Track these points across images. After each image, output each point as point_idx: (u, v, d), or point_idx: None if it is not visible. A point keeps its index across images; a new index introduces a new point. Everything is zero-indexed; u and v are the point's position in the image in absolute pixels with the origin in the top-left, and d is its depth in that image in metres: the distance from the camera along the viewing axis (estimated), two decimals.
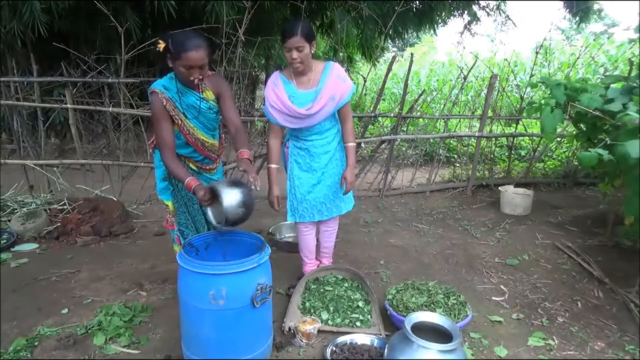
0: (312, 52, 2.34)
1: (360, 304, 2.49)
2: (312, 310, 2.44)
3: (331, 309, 2.45)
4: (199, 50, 1.99)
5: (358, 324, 2.35)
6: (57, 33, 5.43)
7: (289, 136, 2.62)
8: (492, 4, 8.00)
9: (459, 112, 6.40)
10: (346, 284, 2.66)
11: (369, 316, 2.42)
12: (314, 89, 2.41)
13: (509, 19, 8.38)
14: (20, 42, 4.93)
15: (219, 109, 2.27)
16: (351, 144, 2.56)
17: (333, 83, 2.39)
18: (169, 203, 2.38)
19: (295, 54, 2.27)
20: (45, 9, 4.67)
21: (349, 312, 2.42)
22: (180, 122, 2.15)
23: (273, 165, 2.55)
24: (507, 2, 8.19)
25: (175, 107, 2.12)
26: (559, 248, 3.51)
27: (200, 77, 2.07)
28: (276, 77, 2.46)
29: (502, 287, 2.91)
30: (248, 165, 2.08)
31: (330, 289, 2.60)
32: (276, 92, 2.42)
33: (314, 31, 2.35)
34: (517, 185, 4.69)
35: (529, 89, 6.80)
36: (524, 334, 2.38)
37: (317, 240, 2.88)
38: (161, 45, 2.02)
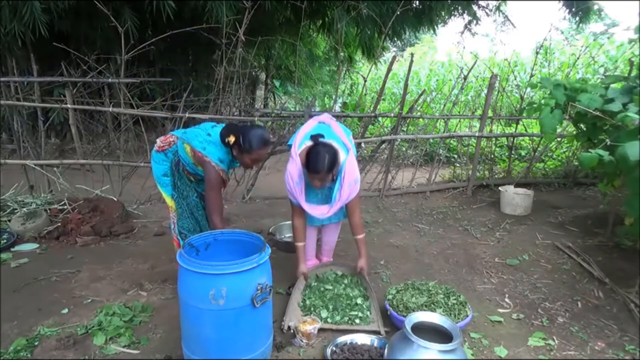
0: (334, 174, 2.38)
1: (359, 300, 2.51)
2: (312, 309, 2.45)
3: (330, 307, 2.46)
4: (267, 147, 2.41)
5: (357, 321, 2.36)
6: (57, 33, 5.43)
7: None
8: (492, 4, 8.00)
9: (459, 112, 6.41)
10: (346, 281, 2.68)
11: (367, 312, 2.43)
12: (328, 186, 2.48)
13: (508, 19, 8.39)
14: (20, 42, 4.94)
15: None
16: (361, 237, 2.62)
17: (346, 191, 2.41)
18: (168, 198, 2.56)
19: (318, 184, 2.36)
20: (45, 9, 4.68)
21: (347, 310, 2.44)
22: (226, 180, 2.53)
23: (299, 244, 2.63)
24: (507, 2, 8.19)
25: (226, 173, 2.49)
26: (559, 248, 3.51)
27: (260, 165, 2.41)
28: (300, 171, 2.42)
29: (502, 287, 2.91)
30: None
31: (330, 287, 2.62)
32: (297, 190, 2.43)
33: (337, 159, 2.35)
34: (517, 185, 4.70)
35: (529, 89, 6.80)
36: (524, 334, 2.38)
37: (317, 239, 2.89)
38: (231, 139, 2.32)
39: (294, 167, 2.42)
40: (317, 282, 2.67)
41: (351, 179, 2.42)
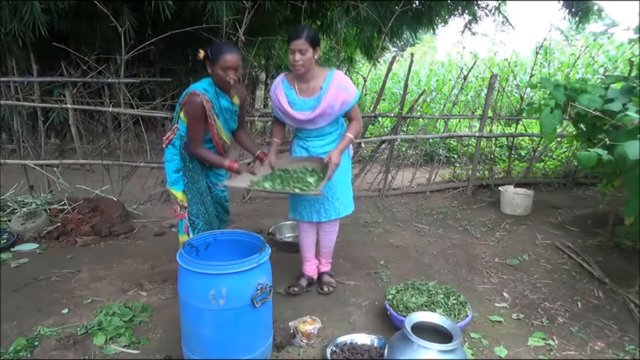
0: (316, 58, 2.39)
1: (311, 180, 2.44)
2: (259, 183, 2.45)
3: (277, 181, 2.46)
4: (233, 53, 2.30)
5: (297, 190, 2.35)
6: (57, 33, 5.43)
7: (295, 134, 2.70)
8: (492, 4, 8.00)
9: (459, 112, 6.41)
10: (315, 176, 2.51)
11: (312, 187, 2.37)
12: (314, 97, 2.45)
13: (507, 21, 8.39)
14: (20, 42, 4.94)
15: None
16: (350, 135, 2.52)
17: (333, 93, 2.42)
18: (179, 194, 2.50)
19: (297, 56, 2.33)
20: (45, 9, 4.68)
21: (292, 183, 2.42)
22: (213, 122, 2.39)
23: (275, 140, 2.65)
24: (506, 2, 8.20)
25: (213, 107, 2.37)
26: (559, 248, 3.51)
27: (235, 78, 2.33)
28: (279, 81, 2.54)
29: (502, 287, 2.91)
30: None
31: (294, 176, 2.53)
32: (278, 95, 2.52)
33: (319, 38, 2.41)
34: (517, 185, 4.69)
35: (529, 89, 6.80)
36: (524, 334, 2.38)
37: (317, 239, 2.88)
38: (201, 54, 2.32)
39: (279, 78, 2.56)
40: (283, 172, 2.54)
41: (341, 83, 2.44)
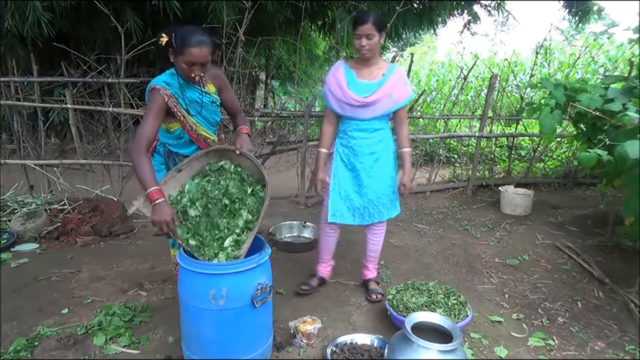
0: (381, 43, 2.40)
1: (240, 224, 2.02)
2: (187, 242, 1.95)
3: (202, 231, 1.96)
4: (201, 46, 1.93)
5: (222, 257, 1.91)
6: (57, 33, 5.43)
7: (337, 133, 2.62)
8: (493, 3, 7.99)
9: (459, 112, 6.41)
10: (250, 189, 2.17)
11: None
12: (375, 81, 2.44)
13: (511, 15, 8.35)
14: (28, 42, 4.94)
15: (221, 101, 2.27)
16: (407, 150, 2.56)
17: (395, 82, 2.42)
18: None
19: (364, 41, 2.33)
20: (46, 7, 4.68)
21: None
22: (183, 118, 2.09)
23: (323, 150, 2.58)
24: (506, 2, 8.18)
25: (178, 103, 2.06)
26: (559, 248, 3.51)
27: (202, 74, 2.03)
28: (339, 64, 2.52)
29: (502, 287, 2.91)
30: (245, 139, 2.15)
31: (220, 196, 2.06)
32: (336, 75, 2.47)
33: (385, 23, 2.42)
34: (517, 185, 4.70)
35: (529, 89, 6.80)
36: (524, 334, 2.38)
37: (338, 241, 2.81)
38: (163, 40, 1.96)
39: (338, 63, 2.52)
40: (215, 176, 2.10)
41: (402, 77, 2.46)
